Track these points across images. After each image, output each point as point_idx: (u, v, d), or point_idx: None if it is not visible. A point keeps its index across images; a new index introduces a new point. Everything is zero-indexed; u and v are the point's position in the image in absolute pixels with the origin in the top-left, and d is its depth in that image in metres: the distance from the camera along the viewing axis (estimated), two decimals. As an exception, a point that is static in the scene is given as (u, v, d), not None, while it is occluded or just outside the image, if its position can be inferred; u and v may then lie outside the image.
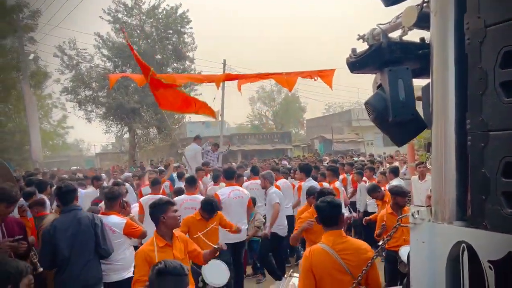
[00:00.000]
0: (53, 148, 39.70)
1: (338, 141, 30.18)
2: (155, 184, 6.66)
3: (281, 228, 6.31)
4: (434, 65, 1.96)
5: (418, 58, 2.16)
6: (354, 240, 3.05)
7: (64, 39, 23.34)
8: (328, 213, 2.99)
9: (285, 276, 3.73)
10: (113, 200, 4.46)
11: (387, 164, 11.69)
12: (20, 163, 24.30)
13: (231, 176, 6.26)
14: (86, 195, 7.64)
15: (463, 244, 1.69)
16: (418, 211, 1.89)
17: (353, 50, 2.30)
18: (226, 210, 5.62)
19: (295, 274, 3.50)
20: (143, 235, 4.44)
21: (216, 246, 3.82)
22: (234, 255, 5.58)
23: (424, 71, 2.15)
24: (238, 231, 5.27)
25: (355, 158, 15.29)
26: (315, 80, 8.94)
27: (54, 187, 6.15)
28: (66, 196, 4.06)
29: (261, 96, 48.24)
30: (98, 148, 54.15)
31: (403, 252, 4.43)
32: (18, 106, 23.15)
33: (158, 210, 3.40)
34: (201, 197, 5.82)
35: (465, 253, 1.68)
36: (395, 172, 7.87)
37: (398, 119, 2.07)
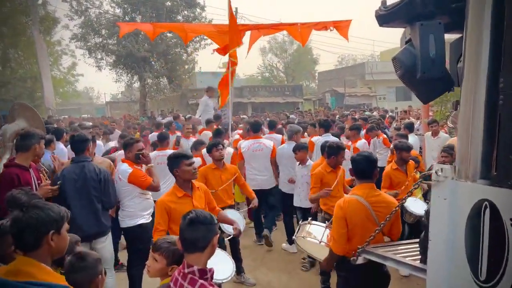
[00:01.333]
0: (63, 95, 39.79)
1: (350, 95, 29.83)
2: (162, 140, 6.45)
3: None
4: (469, 20, 1.89)
5: (451, 12, 2.08)
6: (385, 195, 3.26)
7: (72, -17, 22.62)
8: (363, 167, 3.15)
9: (301, 222, 3.84)
10: (125, 148, 4.52)
11: (400, 120, 11.60)
12: (33, 110, 24.52)
13: (257, 129, 6.42)
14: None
15: (486, 202, 1.73)
16: (441, 169, 1.91)
17: (383, 2, 2.22)
18: (248, 162, 5.74)
19: (314, 222, 3.63)
20: (151, 188, 4.34)
21: (232, 232, 3.91)
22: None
23: (456, 26, 2.08)
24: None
25: (367, 113, 15.15)
26: (330, 30, 8.74)
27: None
28: (78, 145, 4.12)
29: (272, 47, 47.19)
30: (108, 96, 54.25)
31: (409, 203, 4.55)
32: (28, 52, 23.01)
33: (172, 164, 3.53)
34: (267, 140, 6.21)
35: (487, 210, 1.72)
36: (410, 128, 7.83)
37: (427, 76, 2.03)
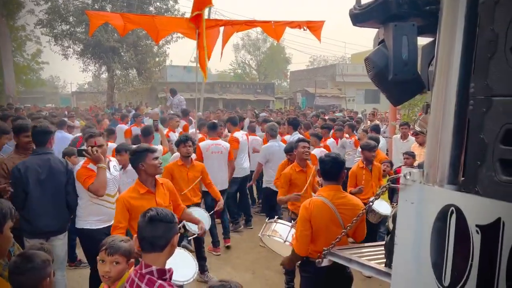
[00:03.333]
0: (27, 83, 38.16)
1: (321, 96, 30.15)
2: (146, 135, 6.24)
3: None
4: (442, 23, 1.87)
5: (425, 14, 2.06)
6: (351, 197, 3.26)
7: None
8: (330, 168, 3.13)
9: (267, 220, 3.79)
10: (86, 141, 4.13)
11: (368, 122, 11.79)
12: (-8, 97, 23.43)
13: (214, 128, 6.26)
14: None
15: (452, 207, 1.71)
16: (410, 173, 1.89)
17: (358, 1, 2.18)
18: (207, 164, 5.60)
19: (280, 221, 3.60)
20: (92, 189, 3.79)
21: (198, 232, 3.79)
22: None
23: (429, 29, 2.07)
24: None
25: (337, 114, 15.34)
26: (304, 30, 8.75)
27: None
28: (41, 137, 3.88)
29: (245, 44, 47.07)
30: (75, 86, 52.54)
31: (375, 204, 4.59)
32: (-11, 36, 21.87)
33: (137, 158, 3.35)
34: (225, 143, 6.09)
35: (453, 216, 1.70)
36: (376, 129, 7.95)
37: (398, 78, 2.00)
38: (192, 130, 8.04)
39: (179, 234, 2.07)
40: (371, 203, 2.60)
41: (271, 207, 6.06)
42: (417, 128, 6.42)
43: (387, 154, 7.76)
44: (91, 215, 3.97)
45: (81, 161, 4.15)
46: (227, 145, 6.14)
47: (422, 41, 2.36)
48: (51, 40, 22.57)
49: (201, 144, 5.98)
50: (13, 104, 14.52)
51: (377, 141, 6.32)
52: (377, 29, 2.24)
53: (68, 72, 79.94)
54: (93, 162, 3.85)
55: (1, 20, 17.70)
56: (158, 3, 23.45)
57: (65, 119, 8.47)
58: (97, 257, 2.39)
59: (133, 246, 2.30)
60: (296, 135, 6.61)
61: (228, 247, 6.12)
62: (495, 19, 1.61)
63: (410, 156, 5.79)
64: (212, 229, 5.69)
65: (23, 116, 9.39)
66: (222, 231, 6.25)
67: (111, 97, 24.76)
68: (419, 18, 2.10)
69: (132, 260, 2.38)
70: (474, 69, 1.72)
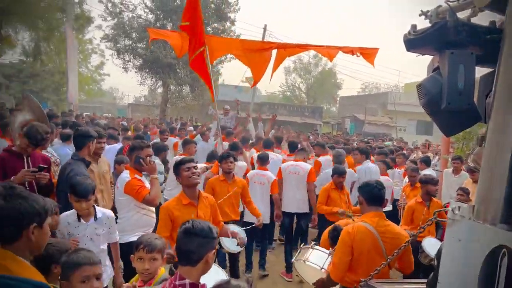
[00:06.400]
0: (88, 93, 40.59)
1: (370, 123, 29.53)
2: (186, 144, 6.32)
3: None
4: (503, 53, 1.78)
5: (485, 43, 1.97)
6: (395, 226, 3.12)
7: (110, -14, 23.24)
8: (379, 192, 3.05)
9: (302, 246, 3.70)
10: (132, 152, 4.00)
11: (420, 153, 11.33)
12: (56, 103, 25.08)
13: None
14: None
15: (504, 249, 1.58)
16: (459, 207, 1.77)
17: (413, 26, 2.12)
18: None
19: (317, 247, 3.49)
20: (146, 201, 3.68)
21: (237, 243, 3.84)
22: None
23: (488, 59, 1.97)
24: (258, 218, 4.95)
25: (386, 143, 14.90)
26: (357, 56, 8.63)
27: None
28: (79, 140, 3.98)
29: (297, 67, 47.36)
30: (131, 98, 55.10)
31: (426, 243, 4.37)
32: (60, 47, 23.58)
33: (175, 171, 3.52)
34: (271, 174, 5.87)
35: (505, 259, 1.57)
36: (426, 162, 7.62)
37: (452, 107, 1.91)
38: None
39: (215, 250, 2.05)
40: (415, 234, 2.45)
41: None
42: (471, 164, 6.07)
43: (436, 189, 7.38)
44: (139, 227, 3.78)
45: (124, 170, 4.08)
46: (271, 177, 5.94)
47: (481, 71, 2.26)
48: (114, 54, 23.97)
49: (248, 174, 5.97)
50: (73, 111, 15.46)
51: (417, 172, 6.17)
52: (431, 56, 2.17)
53: (127, 84, 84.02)
54: (149, 172, 3.78)
55: (71, 33, 19.06)
56: (215, 24, 24.28)
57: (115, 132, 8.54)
58: (132, 256, 2.54)
59: (164, 243, 2.54)
60: (367, 163, 6.56)
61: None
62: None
63: (464, 193, 5.33)
64: (287, 256, 5.66)
65: (82, 123, 9.95)
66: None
67: (164, 111, 25.69)
68: (478, 47, 2.01)
69: (165, 256, 2.61)
70: (536, 103, 1.61)
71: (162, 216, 3.34)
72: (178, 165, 3.46)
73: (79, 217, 3.13)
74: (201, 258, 1.96)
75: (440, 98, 1.96)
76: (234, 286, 1.75)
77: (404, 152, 9.46)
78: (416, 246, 4.61)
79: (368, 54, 8.31)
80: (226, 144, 7.72)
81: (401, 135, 27.88)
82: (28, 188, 3.41)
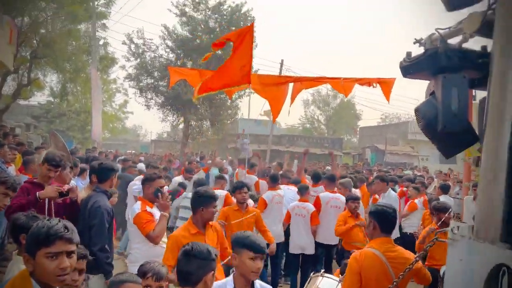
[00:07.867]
0: (113, 130, 41.73)
1: (391, 153, 29.17)
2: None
3: None
4: (493, 76, 1.85)
5: (477, 67, 2.04)
6: (403, 250, 3.07)
7: (133, 28, 24.51)
8: (393, 218, 3.04)
9: (312, 274, 3.66)
10: (145, 183, 4.02)
11: (441, 181, 11.11)
12: (81, 141, 25.94)
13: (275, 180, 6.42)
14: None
15: (504, 268, 1.59)
16: (458, 227, 1.79)
17: (408, 54, 2.21)
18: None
19: (327, 275, 3.46)
20: (149, 237, 3.64)
21: None
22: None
23: (482, 82, 2.03)
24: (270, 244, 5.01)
25: (405, 172, 14.67)
26: (374, 87, 8.67)
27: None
28: (103, 173, 3.96)
29: (315, 99, 47.71)
30: (154, 135, 56.35)
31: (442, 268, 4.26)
32: (85, 88, 24.63)
33: (201, 201, 3.48)
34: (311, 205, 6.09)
35: (505, 277, 1.57)
36: (444, 189, 7.48)
37: (448, 129, 1.96)
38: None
39: (214, 272, 2.09)
40: (419, 256, 2.43)
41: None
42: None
43: (458, 215, 7.21)
44: (151, 257, 3.58)
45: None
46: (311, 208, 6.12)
47: (482, 94, 2.31)
48: (136, 92, 24.81)
49: (264, 195, 6.14)
50: (96, 148, 15.96)
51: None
52: (428, 81, 2.25)
53: (150, 121, 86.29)
54: (161, 208, 3.77)
55: (96, 74, 19.93)
56: (234, 60, 24.93)
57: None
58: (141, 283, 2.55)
59: (168, 270, 2.66)
60: (388, 191, 6.67)
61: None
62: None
63: None
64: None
65: (105, 159, 10.30)
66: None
67: (185, 145, 26.14)
68: (473, 70, 2.08)
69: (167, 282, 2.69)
70: (526, 122, 1.65)
71: (170, 245, 3.37)
72: (211, 199, 3.52)
73: None
74: (199, 279, 2.00)
75: (436, 121, 2.01)
76: None
77: (425, 181, 9.29)
78: (436, 275, 4.50)
79: (386, 83, 8.34)
80: (251, 177, 7.91)
81: (424, 164, 27.37)
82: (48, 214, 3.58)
